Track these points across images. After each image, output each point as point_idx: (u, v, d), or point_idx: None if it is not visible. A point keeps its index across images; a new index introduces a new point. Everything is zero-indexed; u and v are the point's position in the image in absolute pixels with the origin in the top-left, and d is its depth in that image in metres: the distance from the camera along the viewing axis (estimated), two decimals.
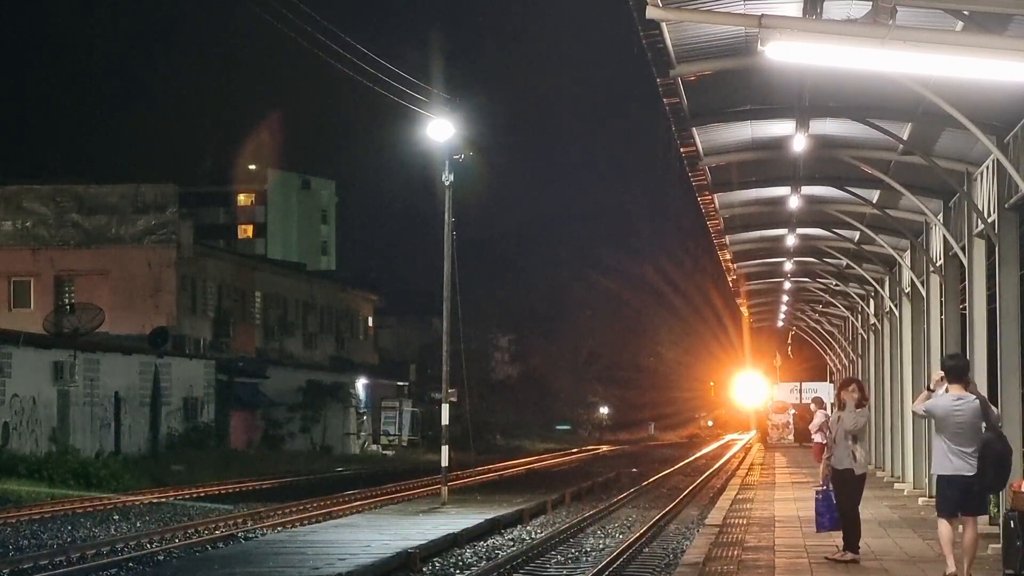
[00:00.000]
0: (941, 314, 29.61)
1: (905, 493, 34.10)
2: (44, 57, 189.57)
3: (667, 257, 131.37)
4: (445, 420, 38.18)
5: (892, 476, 39.78)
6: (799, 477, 43.01)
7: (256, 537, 29.87)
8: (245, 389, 71.68)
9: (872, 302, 46.49)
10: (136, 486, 46.57)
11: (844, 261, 41.66)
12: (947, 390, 16.20)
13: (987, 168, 24.12)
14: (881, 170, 27.15)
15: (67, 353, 52.96)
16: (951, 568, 16.09)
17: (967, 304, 25.83)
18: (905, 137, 24.57)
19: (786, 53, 13.18)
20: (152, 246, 72.90)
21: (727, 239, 37.84)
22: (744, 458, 68.68)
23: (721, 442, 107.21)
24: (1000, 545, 18.03)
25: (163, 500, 41.74)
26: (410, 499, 40.90)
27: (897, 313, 38.58)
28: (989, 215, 23.60)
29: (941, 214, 29.39)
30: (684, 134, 23.86)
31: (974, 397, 16.19)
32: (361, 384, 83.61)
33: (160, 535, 30.51)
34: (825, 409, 35.78)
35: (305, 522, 33.81)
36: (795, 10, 17.06)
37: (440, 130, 37.84)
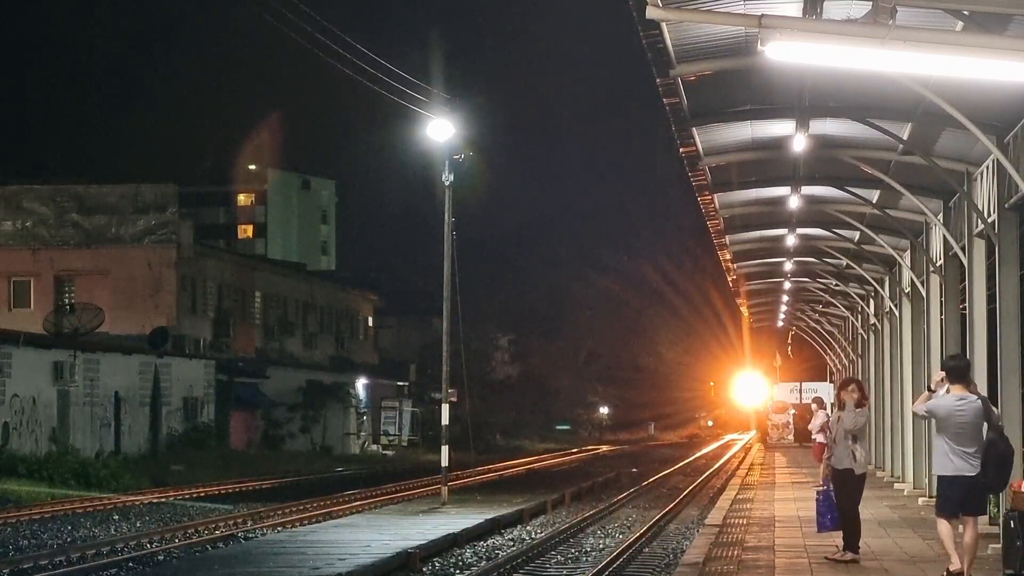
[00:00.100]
0: (941, 314, 29.61)
1: (905, 493, 34.10)
2: (44, 57, 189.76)
3: (667, 257, 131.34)
4: (445, 420, 38.18)
5: (892, 476, 39.79)
6: (799, 477, 43.01)
7: (256, 537, 29.87)
8: (245, 389, 71.69)
9: (872, 302, 46.49)
10: (136, 486, 46.57)
11: (844, 261, 41.66)
12: (948, 390, 16.19)
13: (987, 168, 24.12)
14: (881, 170, 27.15)
15: (67, 353, 52.97)
16: (956, 565, 16.09)
17: (967, 304, 25.83)
18: (905, 137, 24.57)
19: (786, 53, 13.18)
20: (152, 246, 72.91)
21: (727, 239, 37.84)
22: (744, 458, 68.68)
23: (721, 442, 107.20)
24: (1000, 545, 18.03)
25: (163, 500, 41.74)
26: (410, 499, 40.90)
27: (897, 313, 38.58)
28: (989, 215, 23.60)
29: (941, 214, 29.39)
30: (684, 134, 23.86)
31: (976, 397, 16.19)
32: (361, 384, 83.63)
33: (160, 535, 30.51)
34: (826, 409, 35.76)
35: (305, 522, 33.81)
36: (795, 10, 17.07)
37: (440, 130, 37.84)
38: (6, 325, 59.27)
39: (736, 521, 27.14)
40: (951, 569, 16.15)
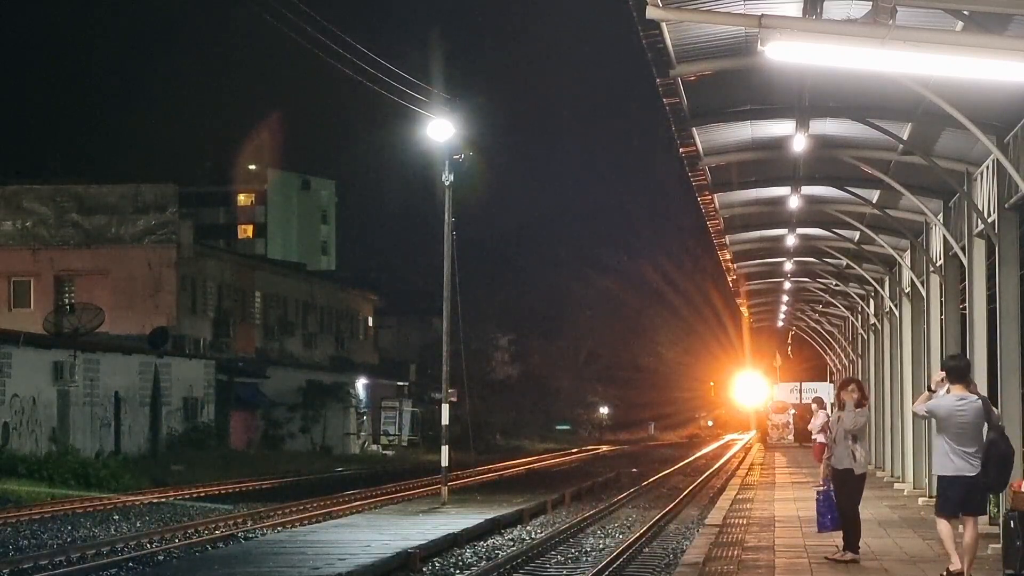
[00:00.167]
0: (941, 314, 29.61)
1: (905, 493, 34.10)
2: (44, 57, 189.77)
3: (667, 257, 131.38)
4: (445, 420, 38.19)
5: (892, 476, 39.79)
6: (799, 477, 43.01)
7: (256, 537, 29.87)
8: (245, 389, 71.69)
9: (872, 302, 46.49)
10: (136, 486, 46.57)
11: (844, 261, 41.66)
12: (948, 390, 16.19)
13: (987, 168, 24.12)
14: (881, 170, 27.15)
15: (67, 353, 52.96)
16: (956, 565, 16.09)
17: (967, 304, 25.83)
18: (905, 137, 24.57)
19: (786, 53, 13.18)
20: (152, 246, 72.91)
21: (727, 239, 37.84)
22: (744, 458, 68.69)
23: (721, 442, 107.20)
24: (1000, 545, 18.02)
25: (163, 500, 41.74)
26: (410, 499, 40.90)
27: (897, 313, 38.58)
28: (989, 215, 23.60)
29: (941, 214, 29.39)
30: (684, 134, 23.86)
31: (976, 397, 16.18)
32: (361, 384, 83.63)
33: (160, 535, 30.51)
34: (826, 409, 35.76)
35: (305, 522, 33.81)
36: (795, 10, 17.07)
37: (440, 130, 37.84)
38: (6, 325, 59.27)
39: (736, 521, 27.14)
40: (951, 569, 16.15)
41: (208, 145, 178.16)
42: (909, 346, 35.42)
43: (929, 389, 16.72)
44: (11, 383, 49.09)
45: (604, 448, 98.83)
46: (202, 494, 44.67)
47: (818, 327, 67.03)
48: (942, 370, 16.66)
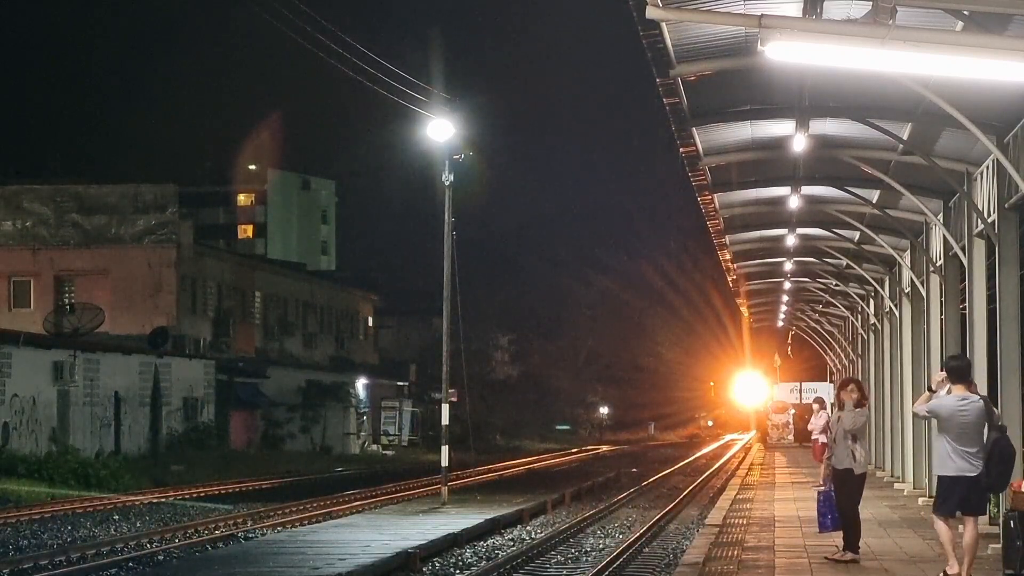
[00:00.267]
0: (941, 314, 29.60)
1: (905, 493, 34.10)
2: (44, 57, 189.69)
3: (667, 257, 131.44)
4: (445, 420, 38.19)
5: (892, 476, 39.79)
6: (799, 477, 43.01)
7: (256, 537, 29.87)
8: (245, 389, 71.69)
9: (872, 302, 46.49)
10: (136, 486, 46.57)
11: (844, 261, 41.66)
12: (950, 391, 16.18)
13: (987, 168, 24.12)
14: (881, 170, 27.15)
15: (67, 353, 52.96)
16: (954, 568, 16.09)
17: (967, 304, 25.83)
18: (905, 137, 24.57)
19: (786, 53, 13.18)
20: (152, 246, 72.90)
21: (727, 239, 37.84)
22: (744, 458, 68.69)
23: (721, 442, 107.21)
24: (1000, 545, 18.03)
25: (163, 500, 41.74)
26: (410, 499, 40.90)
27: (897, 313, 38.58)
28: (989, 215, 23.60)
29: (941, 214, 29.39)
30: (684, 134, 23.86)
31: (978, 397, 16.18)
32: (361, 384, 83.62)
33: (160, 535, 30.51)
34: (827, 409, 35.76)
35: (305, 522, 33.82)
36: (795, 10, 17.07)
37: (440, 130, 37.85)
38: (6, 325, 59.29)
39: (736, 521, 27.14)
40: (948, 572, 16.16)
41: (208, 145, 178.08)
42: (909, 346, 35.42)
43: (930, 389, 16.70)
44: (11, 383, 49.10)
45: (604, 448, 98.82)
46: (202, 494, 44.67)
47: (818, 327, 67.04)
48: (943, 370, 16.65)
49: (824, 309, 59.30)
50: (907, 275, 35.78)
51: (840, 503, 19.79)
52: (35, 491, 42.09)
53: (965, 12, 15.11)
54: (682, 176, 28.27)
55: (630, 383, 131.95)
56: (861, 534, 20.18)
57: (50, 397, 51.67)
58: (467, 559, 26.16)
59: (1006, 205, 22.55)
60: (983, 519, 18.97)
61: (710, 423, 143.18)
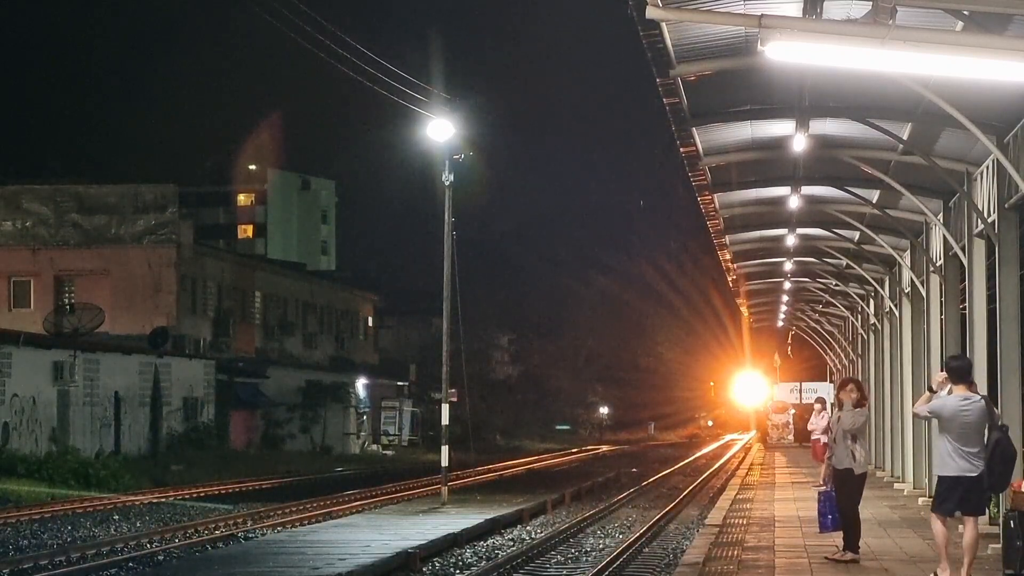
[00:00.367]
0: (941, 314, 29.60)
1: (905, 493, 34.10)
2: (44, 57, 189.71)
3: (667, 257, 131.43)
4: (445, 420, 38.19)
5: (892, 476, 39.79)
6: (799, 477, 43.01)
7: (256, 537, 29.87)
8: (245, 389, 71.68)
9: (872, 302, 46.49)
10: (136, 486, 46.58)
11: (844, 261, 41.66)
12: (950, 391, 16.17)
13: (987, 168, 24.12)
14: (881, 170, 27.15)
15: (67, 353, 52.95)
16: (946, 571, 16.11)
17: (967, 304, 25.83)
18: (905, 137, 24.57)
19: (786, 53, 13.18)
20: (152, 246, 72.87)
21: (727, 239, 37.84)
22: (744, 458, 68.68)
23: (721, 442, 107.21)
24: (1000, 545, 18.03)
25: (163, 500, 41.75)
26: (410, 499, 40.91)
27: (897, 313, 38.58)
28: (989, 215, 23.59)
29: (941, 214, 29.38)
30: (684, 134, 23.86)
31: (980, 397, 16.17)
32: (361, 384, 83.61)
33: (160, 535, 30.52)
34: (828, 410, 35.76)
35: (305, 522, 33.82)
36: (795, 10, 17.06)
37: (440, 130, 37.85)
38: (6, 325, 59.27)
39: (736, 521, 27.14)
40: (939, 574, 16.19)
41: (208, 145, 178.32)
42: (909, 346, 35.42)
43: (930, 390, 16.70)
44: (11, 383, 49.09)
45: (604, 448, 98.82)
46: (202, 494, 44.67)
47: (818, 327, 67.03)
48: (944, 371, 16.65)
49: (824, 309, 59.30)
50: (907, 275, 35.78)
51: (840, 503, 19.79)
52: (35, 491, 42.09)
53: (965, 12, 15.11)
54: (682, 176, 28.29)
55: (630, 383, 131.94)
56: (861, 534, 20.18)
57: (50, 397, 51.67)
58: (467, 559, 26.17)
59: (1006, 205, 22.54)
60: (983, 519, 18.98)
61: (710, 423, 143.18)
